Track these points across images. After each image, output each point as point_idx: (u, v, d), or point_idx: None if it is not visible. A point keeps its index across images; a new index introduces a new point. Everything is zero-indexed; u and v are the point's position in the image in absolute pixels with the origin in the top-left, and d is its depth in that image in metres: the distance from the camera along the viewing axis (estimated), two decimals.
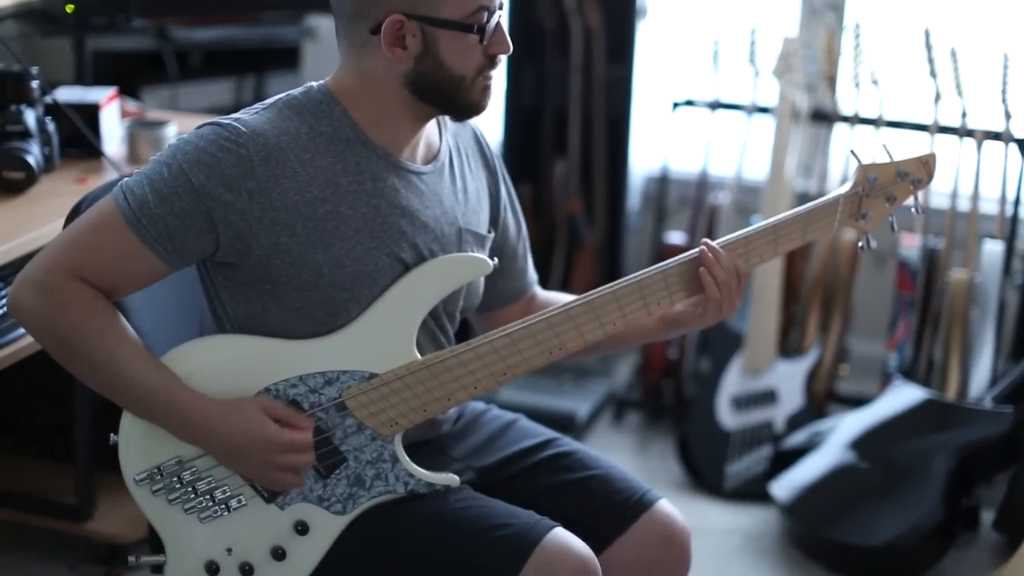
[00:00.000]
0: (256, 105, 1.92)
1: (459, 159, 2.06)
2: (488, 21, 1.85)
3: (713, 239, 1.98)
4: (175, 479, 1.90)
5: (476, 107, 1.93)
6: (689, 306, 2.04)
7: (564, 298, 2.15)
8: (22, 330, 2.36)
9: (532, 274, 2.23)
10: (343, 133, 1.89)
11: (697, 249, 1.99)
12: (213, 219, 1.82)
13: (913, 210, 2.08)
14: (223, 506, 1.92)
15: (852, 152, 2.06)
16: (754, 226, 2.01)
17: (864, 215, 2.05)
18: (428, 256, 1.94)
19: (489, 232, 2.09)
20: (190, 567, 1.93)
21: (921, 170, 2.05)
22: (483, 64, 1.88)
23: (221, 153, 1.81)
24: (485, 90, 1.91)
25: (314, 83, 1.94)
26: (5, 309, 2.35)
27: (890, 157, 2.04)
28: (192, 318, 2.06)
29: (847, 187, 2.05)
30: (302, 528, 1.93)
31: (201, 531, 1.92)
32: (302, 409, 1.90)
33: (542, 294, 2.24)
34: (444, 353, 1.92)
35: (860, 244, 2.07)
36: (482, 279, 2.07)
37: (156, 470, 1.90)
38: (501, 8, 1.88)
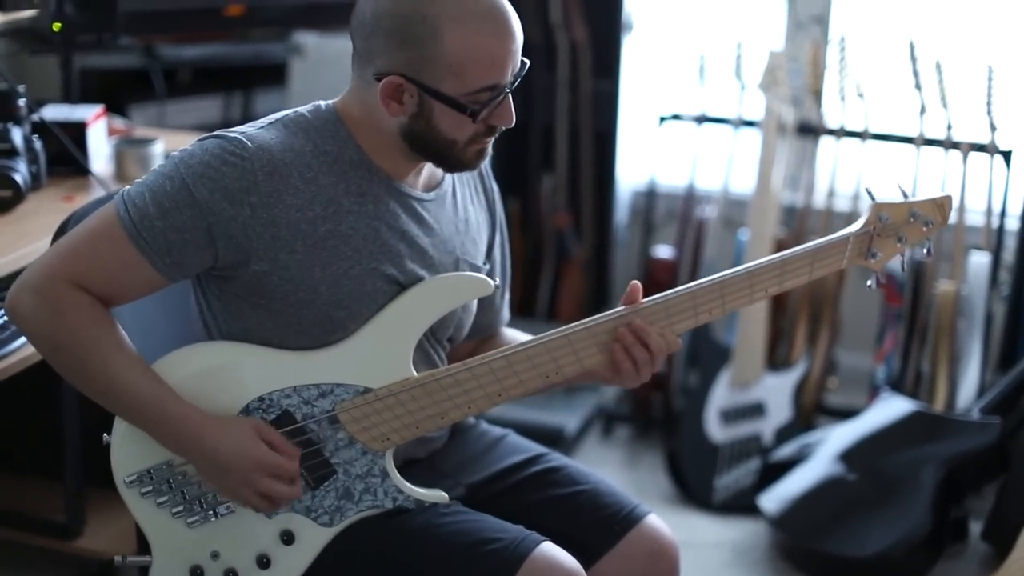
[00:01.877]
0: (262, 120, 1.91)
1: (462, 189, 2.06)
2: (491, 101, 1.83)
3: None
4: (165, 483, 1.91)
5: (467, 166, 1.92)
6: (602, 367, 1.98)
7: (520, 337, 2.11)
8: (10, 347, 2.35)
9: (505, 313, 2.22)
10: (347, 154, 1.89)
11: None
12: (213, 234, 1.81)
13: (924, 251, 2.05)
14: (211, 512, 1.92)
15: (867, 191, 2.01)
16: (762, 260, 1.97)
17: (874, 254, 1.99)
18: None
19: (485, 264, 2.09)
20: (175, 570, 1.94)
21: (935, 212, 2.00)
22: (479, 132, 1.87)
23: (225, 167, 1.81)
24: (479, 153, 1.90)
25: (322, 102, 1.94)
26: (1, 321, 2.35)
27: (904, 197, 2.00)
28: (181, 331, 2.05)
29: (859, 225, 2.00)
30: (288, 538, 1.93)
31: (188, 535, 1.92)
32: (293, 419, 1.90)
33: (502, 331, 2.22)
34: (439, 371, 1.91)
35: (868, 283, 2.02)
36: (474, 308, 2.07)
37: (147, 472, 1.91)
38: (515, 83, 1.85)
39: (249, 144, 1.82)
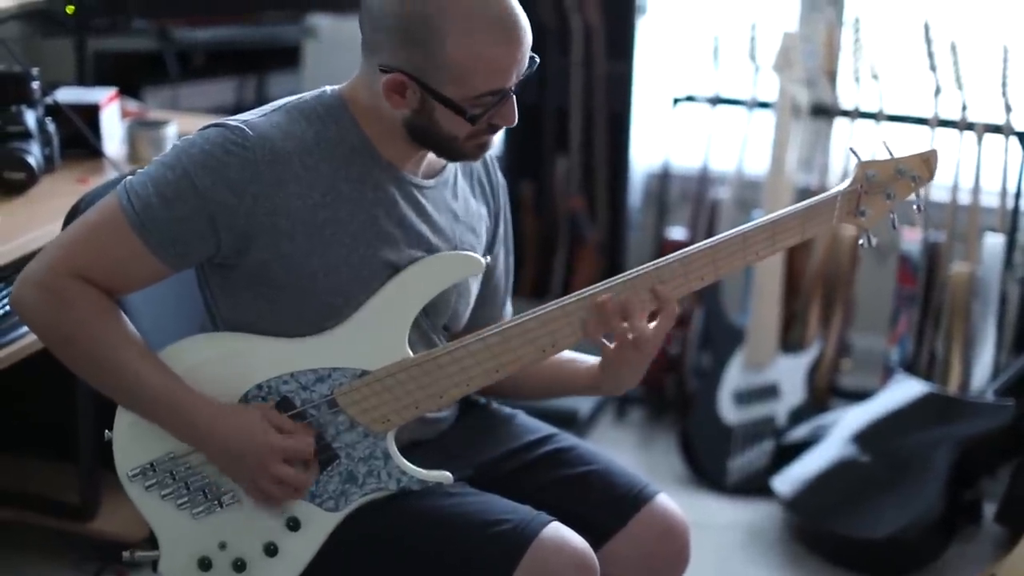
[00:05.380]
0: (265, 107, 1.91)
1: (465, 179, 2.05)
2: (493, 105, 1.82)
3: (714, 234, 2.00)
4: (168, 475, 1.91)
5: (468, 158, 1.93)
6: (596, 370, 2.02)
7: None
8: (23, 329, 2.37)
9: (508, 309, 2.21)
10: (350, 140, 1.89)
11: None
12: (216, 223, 1.81)
13: (915, 207, 2.05)
14: (216, 502, 1.92)
15: (851, 149, 2.04)
16: (752, 223, 1.99)
17: (863, 212, 2.01)
18: None
19: (484, 257, 2.08)
20: (183, 562, 1.94)
21: (921, 167, 2.01)
22: (481, 130, 1.86)
23: (227, 156, 1.81)
24: (480, 147, 1.90)
25: (328, 88, 1.93)
26: (6, 309, 2.36)
27: (890, 154, 2.01)
28: (192, 318, 2.06)
29: (846, 184, 2.03)
30: (294, 524, 1.93)
31: (194, 527, 1.93)
32: (293, 405, 1.90)
33: None
34: (437, 350, 1.92)
35: (861, 241, 2.04)
36: (472, 296, 2.06)
37: (149, 466, 1.91)
38: (516, 86, 1.84)
39: (251, 133, 1.82)
